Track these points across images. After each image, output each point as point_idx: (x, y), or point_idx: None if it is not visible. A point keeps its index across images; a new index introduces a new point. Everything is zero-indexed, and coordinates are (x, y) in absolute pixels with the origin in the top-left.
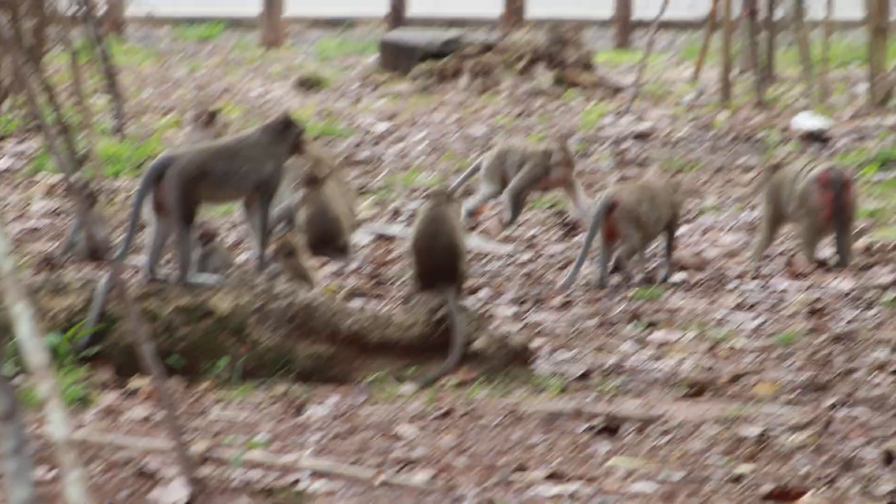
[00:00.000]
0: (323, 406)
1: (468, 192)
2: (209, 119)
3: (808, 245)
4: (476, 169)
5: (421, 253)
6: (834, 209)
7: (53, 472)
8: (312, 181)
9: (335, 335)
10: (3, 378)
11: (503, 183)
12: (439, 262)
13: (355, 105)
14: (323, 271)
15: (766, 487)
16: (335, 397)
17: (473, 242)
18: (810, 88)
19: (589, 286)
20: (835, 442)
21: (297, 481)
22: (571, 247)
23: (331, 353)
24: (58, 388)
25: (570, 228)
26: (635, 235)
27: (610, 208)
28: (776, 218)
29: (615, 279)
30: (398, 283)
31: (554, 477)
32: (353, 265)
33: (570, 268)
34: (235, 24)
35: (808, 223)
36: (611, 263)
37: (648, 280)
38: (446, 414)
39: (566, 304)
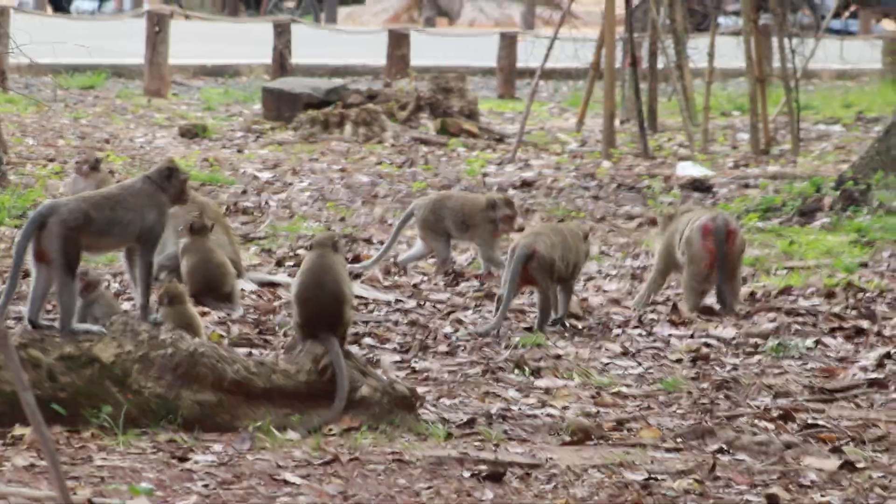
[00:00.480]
0: (208, 454)
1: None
2: (92, 167)
3: (691, 293)
4: (406, 220)
5: (305, 302)
6: (715, 258)
7: None
8: (196, 229)
9: (220, 383)
10: None
11: (440, 234)
12: (324, 311)
13: (239, 153)
14: (207, 319)
15: None
16: (219, 445)
17: (359, 291)
18: (692, 137)
19: (472, 334)
20: (719, 487)
21: None
22: (457, 294)
23: (215, 401)
24: None
25: (454, 277)
26: (550, 284)
27: (528, 258)
28: (667, 266)
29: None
30: (283, 330)
31: None
32: (238, 313)
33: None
34: (119, 72)
35: (691, 271)
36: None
37: (531, 328)
38: (331, 461)
39: (451, 352)
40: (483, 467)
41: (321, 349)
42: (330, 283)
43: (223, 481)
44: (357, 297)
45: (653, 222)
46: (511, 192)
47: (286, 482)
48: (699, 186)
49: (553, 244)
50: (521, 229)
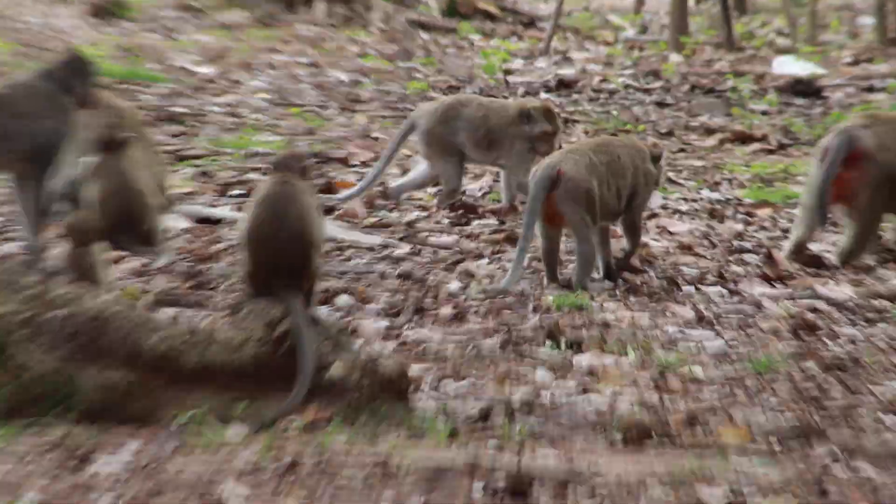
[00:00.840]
0: (117, 456)
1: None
2: None
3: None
4: (406, 133)
5: (259, 244)
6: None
7: None
8: (108, 145)
9: (135, 358)
10: None
11: (451, 153)
12: (284, 257)
13: (169, 40)
14: (119, 268)
15: None
16: (134, 444)
17: (332, 231)
18: (795, 22)
19: (488, 291)
20: None
21: None
22: (467, 236)
23: (129, 383)
24: None
25: (464, 212)
26: (587, 221)
27: (552, 183)
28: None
29: (598, 285)
30: (225, 285)
31: None
32: (163, 261)
33: (510, 266)
34: None
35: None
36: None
37: (568, 284)
38: (290, 468)
39: (458, 317)
40: (500, 480)
41: (278, 310)
42: (293, 220)
43: (137, 497)
44: (330, 239)
45: (741, 138)
46: (544, 95)
47: (224, 500)
48: (804, 89)
49: (591, 165)
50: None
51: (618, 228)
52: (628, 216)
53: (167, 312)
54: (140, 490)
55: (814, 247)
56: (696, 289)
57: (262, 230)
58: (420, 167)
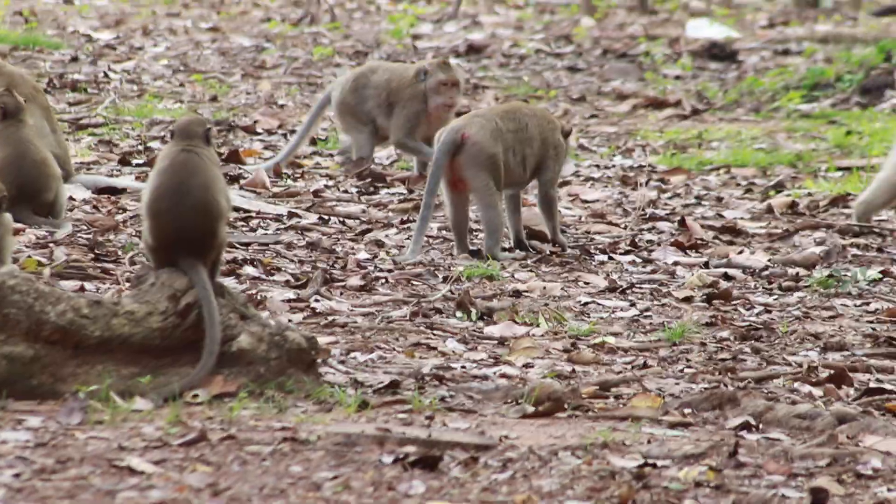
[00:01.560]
0: (20, 430)
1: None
2: None
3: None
4: (323, 105)
5: (161, 214)
6: None
7: None
8: (5, 112)
9: (37, 331)
10: None
11: (362, 123)
12: (188, 228)
13: (67, 4)
14: (21, 239)
15: None
16: (37, 418)
17: (237, 201)
18: None
19: (397, 262)
20: (744, 478)
21: None
22: (376, 205)
23: (31, 356)
24: None
25: (373, 180)
26: (491, 188)
27: (456, 147)
28: None
29: (508, 254)
30: (129, 256)
31: None
32: (64, 231)
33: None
34: None
35: None
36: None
37: (478, 252)
38: (197, 440)
39: (367, 287)
40: (411, 449)
41: (182, 282)
42: (197, 189)
43: (42, 469)
44: (235, 209)
45: (654, 104)
46: (453, 60)
47: (131, 470)
48: (718, 53)
49: (497, 131)
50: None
51: (528, 197)
52: (542, 190)
53: (70, 284)
54: (44, 464)
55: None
56: (609, 257)
57: (166, 200)
58: (342, 138)
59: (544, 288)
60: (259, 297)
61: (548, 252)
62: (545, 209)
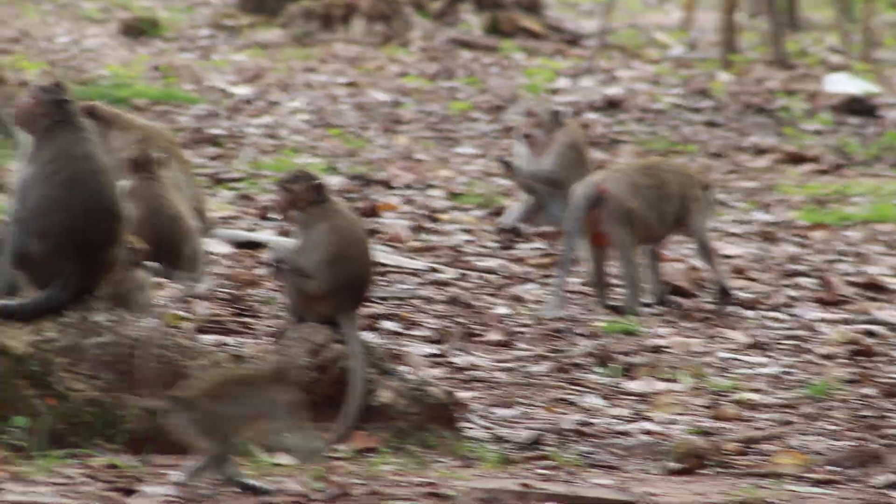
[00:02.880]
0: (163, 484)
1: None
2: None
3: None
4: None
5: (343, 265)
6: None
7: None
8: (140, 166)
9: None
10: None
11: None
12: (362, 279)
13: (205, 60)
14: (160, 294)
15: None
16: (179, 472)
17: (376, 255)
18: (849, 38)
19: (537, 317)
20: None
21: None
22: (515, 260)
23: None
24: None
25: (511, 235)
26: (631, 242)
27: (594, 202)
28: None
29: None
30: (269, 310)
31: None
32: (204, 286)
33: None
34: None
35: None
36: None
37: (618, 307)
38: (340, 496)
39: (506, 342)
40: None
41: (322, 336)
42: (362, 242)
43: None
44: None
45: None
46: (590, 115)
47: None
48: (858, 108)
49: (635, 186)
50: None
51: (665, 252)
52: (696, 240)
53: (210, 339)
54: None
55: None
56: (751, 314)
57: (349, 250)
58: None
59: (685, 343)
60: (398, 352)
61: (688, 307)
62: (705, 258)
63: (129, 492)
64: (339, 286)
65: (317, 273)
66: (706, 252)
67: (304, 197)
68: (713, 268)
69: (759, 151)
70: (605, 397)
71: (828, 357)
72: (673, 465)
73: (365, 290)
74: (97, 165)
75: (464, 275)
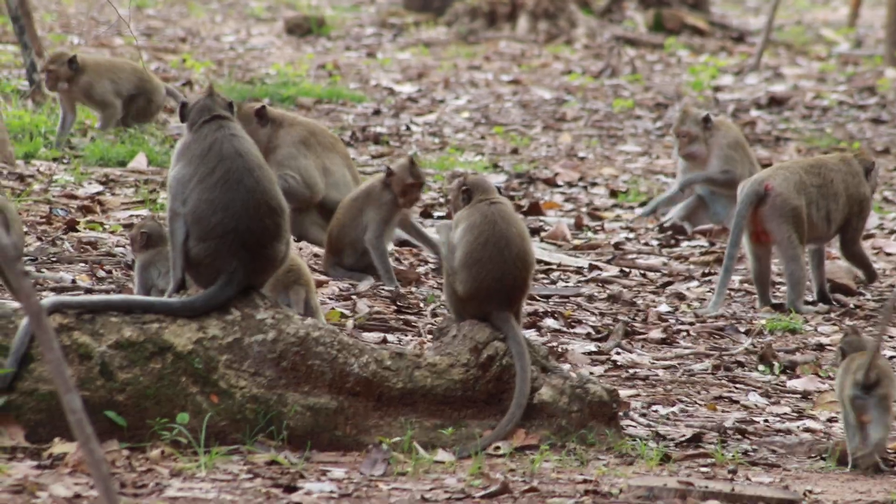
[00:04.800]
0: (324, 481)
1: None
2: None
3: None
4: None
5: (482, 264)
6: None
7: None
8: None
9: (340, 382)
10: None
11: None
12: (507, 278)
13: (370, 58)
14: (325, 291)
15: None
16: (340, 469)
17: (538, 253)
18: None
19: (698, 315)
20: None
21: None
22: (677, 257)
23: (335, 407)
24: None
25: (675, 233)
26: (796, 240)
27: (759, 199)
28: None
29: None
30: (430, 308)
31: None
32: (367, 283)
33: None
34: None
35: None
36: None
37: (780, 305)
38: (499, 492)
39: (668, 340)
40: (714, 503)
41: (484, 334)
42: (515, 239)
43: None
44: (537, 261)
45: None
46: (754, 112)
47: None
48: None
49: (801, 184)
50: None
51: (832, 250)
52: (847, 248)
53: (372, 337)
54: None
55: None
56: None
57: (486, 250)
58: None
59: None
60: (560, 350)
61: (852, 305)
62: (856, 263)
63: (290, 489)
64: (480, 287)
65: (459, 273)
66: (858, 258)
67: (456, 200)
68: (867, 274)
69: None
70: (766, 395)
71: None
72: (835, 463)
73: (513, 289)
74: (250, 162)
75: (626, 273)
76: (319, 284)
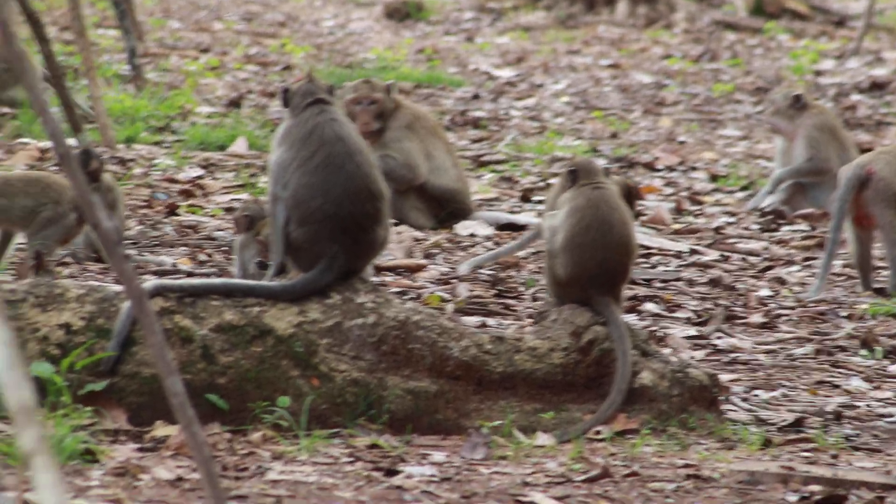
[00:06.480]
0: (424, 464)
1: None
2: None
3: None
4: None
5: (583, 248)
6: None
7: None
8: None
9: (441, 366)
10: None
11: None
12: (608, 262)
13: (468, 42)
14: (421, 276)
15: None
16: (441, 453)
17: (638, 237)
18: None
19: (799, 299)
20: None
21: None
22: (777, 242)
23: (435, 391)
24: (48, 440)
25: (775, 217)
26: (895, 222)
27: (861, 183)
28: None
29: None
30: (530, 292)
31: None
32: (465, 268)
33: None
34: None
35: None
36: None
37: (883, 290)
38: (600, 476)
39: (769, 324)
40: (816, 488)
41: (584, 318)
42: (618, 224)
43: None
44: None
45: None
46: (855, 97)
47: None
48: None
49: None
50: None
51: None
52: None
53: (472, 320)
54: (449, 499)
55: None
56: None
57: (588, 234)
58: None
59: None
60: (660, 334)
61: None
62: None
63: (391, 472)
64: (581, 271)
65: (560, 256)
66: None
67: (563, 181)
68: None
69: None
70: (868, 380)
71: None
72: None
73: (614, 274)
74: (351, 147)
75: (726, 257)
76: (418, 268)
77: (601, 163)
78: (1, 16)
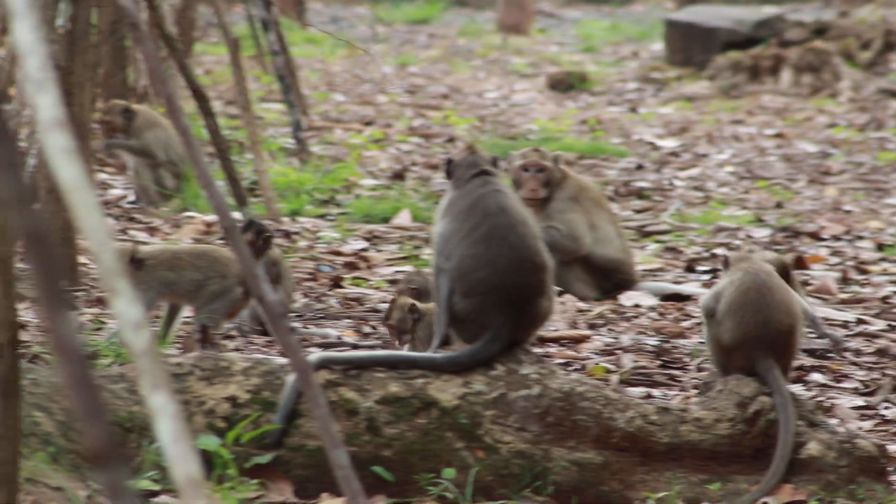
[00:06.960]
0: None
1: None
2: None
3: None
4: None
5: (747, 309)
6: None
7: None
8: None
9: (606, 437)
10: (133, 498)
11: None
12: (771, 324)
13: (632, 113)
14: (585, 347)
15: None
16: None
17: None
18: None
19: None
20: None
21: None
22: None
23: (600, 462)
24: None
25: None
26: None
27: None
28: None
29: None
30: (695, 363)
31: None
32: (627, 339)
33: None
34: (462, 0)
35: None
36: None
37: None
38: None
39: None
40: None
41: (750, 389)
42: (780, 288)
43: None
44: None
45: None
46: None
47: None
48: None
49: None
50: None
51: None
52: None
53: (637, 391)
54: None
55: None
56: None
57: (750, 295)
58: None
59: None
60: (827, 405)
61: None
62: None
63: None
64: (745, 333)
65: (723, 322)
66: None
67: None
68: None
69: None
70: None
71: None
72: None
73: (778, 335)
74: (514, 218)
75: (893, 326)
76: (582, 339)
77: (766, 233)
78: (167, 90)
